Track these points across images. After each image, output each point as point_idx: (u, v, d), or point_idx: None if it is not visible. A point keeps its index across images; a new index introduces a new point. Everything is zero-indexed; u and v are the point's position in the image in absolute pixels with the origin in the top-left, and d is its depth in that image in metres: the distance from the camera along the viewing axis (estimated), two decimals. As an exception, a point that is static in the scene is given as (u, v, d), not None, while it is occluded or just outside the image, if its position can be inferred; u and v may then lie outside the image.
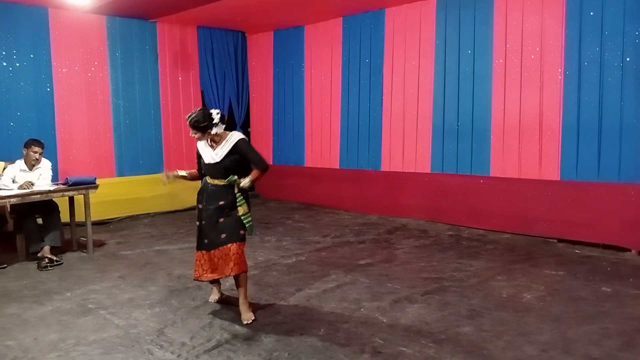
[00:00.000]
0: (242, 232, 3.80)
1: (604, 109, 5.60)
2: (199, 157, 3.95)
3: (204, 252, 3.86)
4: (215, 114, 3.74)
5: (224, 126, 3.81)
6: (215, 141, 3.82)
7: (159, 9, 7.33)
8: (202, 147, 3.89)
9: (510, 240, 6.06)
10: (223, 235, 3.76)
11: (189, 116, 3.74)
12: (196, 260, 3.92)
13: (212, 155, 3.82)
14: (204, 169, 3.91)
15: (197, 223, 3.91)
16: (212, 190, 3.81)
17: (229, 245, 3.75)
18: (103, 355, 3.27)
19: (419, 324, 3.68)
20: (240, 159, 3.79)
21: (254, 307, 3.95)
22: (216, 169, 3.79)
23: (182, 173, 4.03)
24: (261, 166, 3.80)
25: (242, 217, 3.79)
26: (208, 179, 3.86)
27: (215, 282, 4.14)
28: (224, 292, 4.25)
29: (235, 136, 3.83)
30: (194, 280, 4.01)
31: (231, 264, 3.74)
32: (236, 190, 3.78)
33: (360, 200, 7.88)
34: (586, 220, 5.75)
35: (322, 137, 8.40)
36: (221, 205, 3.78)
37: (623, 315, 3.78)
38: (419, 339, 3.44)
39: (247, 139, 3.92)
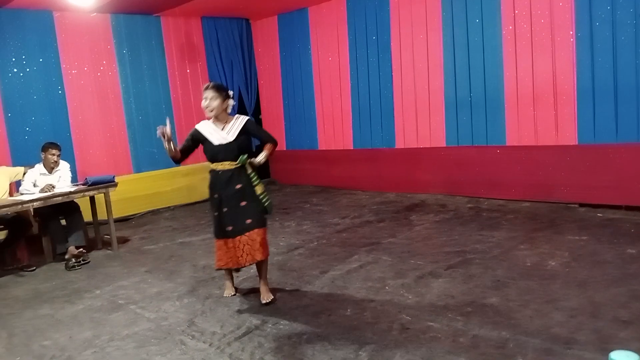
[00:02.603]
0: (264, 216, 3.82)
1: (618, 68, 5.50)
2: (197, 140, 3.83)
3: (228, 240, 3.80)
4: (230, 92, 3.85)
5: (232, 106, 3.85)
6: (221, 121, 3.78)
7: (161, 3, 7.32)
8: (209, 130, 3.78)
9: (531, 209, 6.02)
10: (249, 221, 3.74)
11: (208, 84, 3.75)
12: (217, 249, 3.87)
13: (223, 135, 3.74)
14: (210, 154, 3.77)
15: (215, 213, 3.81)
16: (224, 176, 3.74)
17: (256, 230, 3.75)
18: (137, 349, 3.34)
19: (444, 298, 3.70)
20: (248, 140, 3.82)
21: (279, 292, 4.00)
22: (228, 150, 3.71)
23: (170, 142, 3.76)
24: (273, 141, 3.88)
25: (260, 197, 3.77)
26: (216, 166, 3.77)
27: (229, 276, 4.12)
28: (236, 287, 4.22)
29: (243, 117, 3.84)
30: (217, 269, 4.03)
31: (261, 249, 3.76)
32: (249, 170, 3.75)
33: (377, 179, 7.87)
34: (607, 183, 5.69)
35: (334, 119, 8.37)
36: (239, 188, 3.72)
37: (650, 276, 3.76)
38: (445, 313, 3.46)
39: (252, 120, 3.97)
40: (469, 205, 6.47)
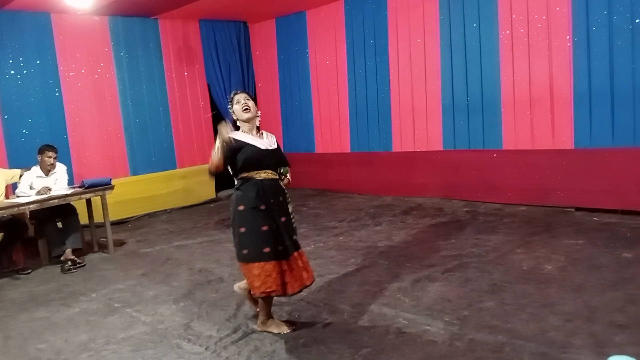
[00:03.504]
0: (294, 237, 3.40)
1: (615, 73, 5.52)
2: (236, 150, 3.27)
3: (282, 262, 3.28)
4: None
5: (258, 121, 3.50)
6: (252, 130, 3.40)
7: (159, 5, 7.32)
8: (246, 136, 3.35)
9: (528, 213, 6.03)
10: (294, 237, 3.38)
11: (236, 90, 3.49)
12: (264, 273, 3.22)
13: (265, 143, 3.37)
14: (255, 159, 3.28)
15: (262, 228, 3.23)
16: (268, 185, 3.30)
17: (301, 250, 3.41)
18: (133, 352, 3.33)
19: (441, 302, 3.70)
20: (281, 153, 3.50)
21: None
22: (271, 158, 3.35)
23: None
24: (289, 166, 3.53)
25: (291, 215, 3.43)
26: (259, 174, 3.30)
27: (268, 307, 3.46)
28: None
29: (271, 134, 3.53)
30: (263, 294, 3.27)
31: (307, 271, 3.37)
32: (284, 185, 3.43)
33: (374, 183, 7.88)
34: (603, 187, 5.70)
35: (331, 122, 8.38)
36: (281, 201, 3.35)
37: (646, 280, 3.77)
38: (442, 316, 3.46)
39: None
40: (465, 209, 6.48)
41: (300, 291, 3.38)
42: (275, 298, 3.51)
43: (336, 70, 8.15)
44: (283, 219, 3.32)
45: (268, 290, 3.23)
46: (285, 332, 3.41)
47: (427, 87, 7.09)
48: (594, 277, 3.91)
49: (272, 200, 3.28)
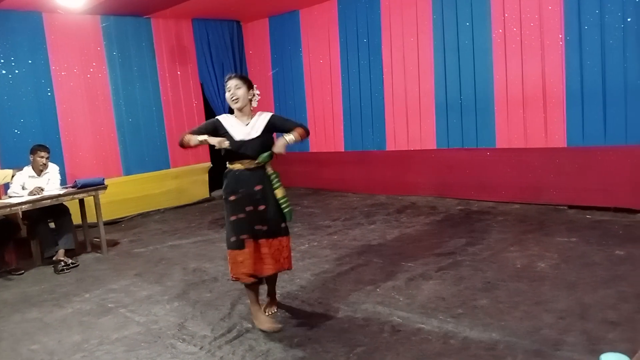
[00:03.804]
0: (283, 224, 3.48)
1: (607, 72, 5.55)
2: (215, 130, 3.41)
3: (248, 249, 3.36)
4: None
5: (258, 98, 3.56)
6: (245, 114, 3.47)
7: (152, 4, 7.29)
8: (231, 123, 3.44)
9: (521, 211, 6.06)
10: (265, 227, 3.42)
11: (230, 74, 3.48)
12: (234, 258, 3.40)
13: (246, 131, 3.41)
14: (228, 152, 3.40)
15: (233, 217, 3.39)
16: (245, 175, 3.40)
17: (278, 238, 3.46)
18: (127, 353, 3.32)
19: (435, 300, 3.71)
20: (271, 139, 3.48)
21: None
22: (249, 147, 3.38)
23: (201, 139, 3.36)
24: (305, 127, 3.54)
25: (280, 202, 3.44)
26: (234, 165, 3.43)
27: (255, 296, 3.56)
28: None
29: (267, 113, 3.55)
30: (234, 280, 3.51)
31: (272, 261, 3.43)
32: (270, 172, 3.47)
33: (368, 182, 7.88)
34: (596, 185, 5.73)
35: (325, 121, 8.38)
36: (258, 190, 3.39)
37: (638, 278, 3.78)
38: (436, 314, 3.47)
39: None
40: (459, 208, 6.50)
41: (274, 275, 3.57)
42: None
43: (330, 70, 8.15)
44: (255, 208, 3.38)
45: (235, 277, 3.44)
46: (267, 329, 3.42)
47: (421, 86, 7.10)
48: (586, 275, 3.94)
49: (241, 190, 3.39)
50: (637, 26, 5.30)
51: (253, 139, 3.41)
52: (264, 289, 3.74)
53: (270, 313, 3.70)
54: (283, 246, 3.50)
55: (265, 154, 3.43)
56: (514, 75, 6.22)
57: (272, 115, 3.55)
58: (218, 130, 3.43)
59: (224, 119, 3.48)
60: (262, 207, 3.40)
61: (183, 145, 3.42)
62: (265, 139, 3.46)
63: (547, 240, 4.88)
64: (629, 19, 5.34)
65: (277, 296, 3.91)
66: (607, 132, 5.62)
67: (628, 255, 4.28)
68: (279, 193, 3.46)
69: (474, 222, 5.78)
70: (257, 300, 3.56)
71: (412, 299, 3.77)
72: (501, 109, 6.38)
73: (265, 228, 3.41)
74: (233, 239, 3.39)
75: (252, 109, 3.53)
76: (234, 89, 3.41)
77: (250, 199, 3.39)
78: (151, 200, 7.92)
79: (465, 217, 6.01)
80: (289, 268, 3.62)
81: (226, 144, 3.31)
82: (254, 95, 3.51)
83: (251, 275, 3.40)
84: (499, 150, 6.48)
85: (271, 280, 3.70)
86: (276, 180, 3.48)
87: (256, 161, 3.42)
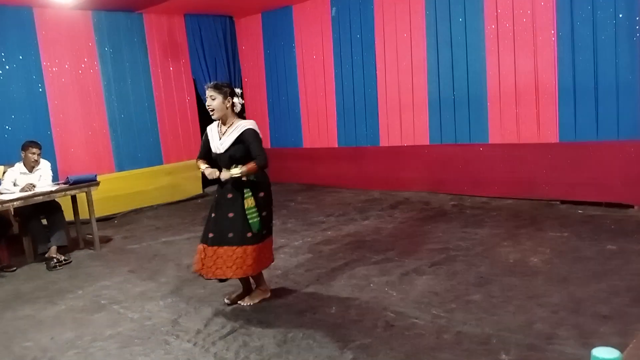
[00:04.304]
0: (248, 234, 3.56)
1: (599, 67, 5.58)
2: (207, 143, 3.71)
3: (206, 246, 3.60)
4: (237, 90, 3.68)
5: (240, 105, 3.64)
6: (226, 124, 3.61)
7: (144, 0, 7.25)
8: (212, 135, 3.68)
9: (514, 206, 6.09)
10: (230, 235, 3.55)
11: (208, 84, 3.61)
12: (197, 252, 3.68)
13: (217, 145, 3.62)
14: (214, 161, 3.70)
15: (209, 215, 3.69)
16: (224, 183, 3.62)
17: (235, 247, 3.55)
18: (121, 349, 3.31)
19: (429, 295, 3.72)
20: (247, 150, 3.56)
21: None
22: (222, 160, 3.61)
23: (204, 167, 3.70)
24: (260, 162, 3.54)
25: (246, 211, 3.56)
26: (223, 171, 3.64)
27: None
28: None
29: (245, 124, 3.60)
30: (193, 272, 3.84)
31: (233, 267, 3.55)
32: (246, 180, 3.56)
33: (361, 177, 7.89)
34: (587, 180, 5.77)
35: (318, 117, 8.37)
36: (230, 198, 3.58)
37: (630, 272, 3.82)
38: (429, 309, 3.48)
39: (256, 130, 3.63)
40: (452, 203, 6.52)
41: (221, 280, 3.72)
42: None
43: (323, 65, 8.14)
44: (230, 215, 3.56)
45: (196, 266, 3.68)
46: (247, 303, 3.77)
47: (414, 82, 7.10)
48: (578, 269, 3.96)
49: (217, 196, 3.68)
50: (628, 22, 5.33)
51: (222, 153, 3.59)
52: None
53: (244, 304, 3.81)
54: (247, 254, 3.57)
55: (235, 169, 3.54)
56: (507, 71, 6.23)
57: (246, 130, 3.58)
58: (208, 144, 3.72)
59: (210, 131, 3.72)
60: (230, 215, 3.57)
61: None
62: (234, 152, 3.56)
63: (539, 235, 4.91)
64: (620, 15, 5.37)
65: (270, 292, 3.94)
66: (599, 127, 5.65)
67: (620, 249, 4.32)
68: (247, 203, 3.57)
69: (467, 217, 5.80)
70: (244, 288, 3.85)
71: (406, 294, 3.79)
72: (494, 105, 6.40)
73: (230, 235, 3.56)
74: (202, 233, 3.70)
75: (235, 114, 3.66)
76: (209, 100, 3.57)
77: (221, 205, 3.62)
78: (144, 196, 7.88)
79: (459, 213, 6.03)
80: (252, 274, 3.71)
81: (215, 176, 3.56)
82: (232, 103, 3.59)
83: (201, 273, 3.65)
84: (491, 145, 6.50)
85: (254, 277, 3.82)
86: (248, 190, 3.58)
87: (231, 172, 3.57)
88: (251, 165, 3.54)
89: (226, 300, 3.85)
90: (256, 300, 3.83)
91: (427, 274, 4.14)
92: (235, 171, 3.53)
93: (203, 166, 3.67)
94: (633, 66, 5.36)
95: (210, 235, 3.60)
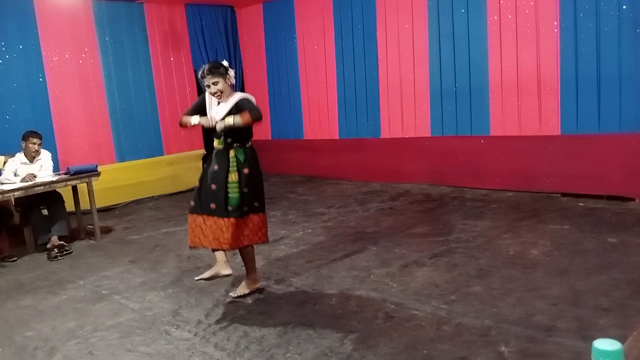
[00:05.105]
0: (229, 208, 3.57)
1: (601, 59, 5.55)
2: (202, 108, 3.72)
3: (195, 215, 3.66)
4: (224, 62, 3.70)
5: (233, 76, 3.69)
6: (221, 97, 3.63)
7: (145, -11, 7.21)
8: (210, 103, 3.70)
9: (514, 198, 6.08)
10: (212, 206, 3.59)
11: (203, 70, 3.61)
12: (189, 225, 3.70)
13: (213, 113, 3.62)
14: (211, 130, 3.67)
15: (198, 185, 3.71)
16: (215, 154, 3.66)
17: (214, 217, 3.59)
18: (122, 339, 3.32)
19: (429, 287, 3.73)
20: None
21: (264, 281, 3.99)
22: (216, 129, 3.56)
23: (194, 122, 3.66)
24: (254, 114, 3.50)
25: (227, 185, 3.57)
26: (215, 142, 3.68)
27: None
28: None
29: (239, 95, 3.66)
30: (190, 248, 3.80)
31: (210, 237, 3.60)
32: (232, 155, 3.59)
33: (362, 169, 7.88)
34: (589, 173, 5.76)
35: (319, 109, 8.35)
36: (216, 170, 3.61)
37: (630, 265, 3.82)
38: (430, 301, 3.49)
39: (251, 98, 3.68)
40: (453, 195, 6.52)
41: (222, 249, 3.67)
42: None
43: (324, 56, 8.10)
44: (213, 187, 3.59)
45: (191, 243, 3.71)
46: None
47: (416, 73, 7.08)
48: (579, 262, 3.97)
49: (205, 165, 3.73)
50: (632, 14, 5.29)
51: (218, 122, 3.56)
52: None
53: (234, 295, 3.78)
54: (225, 228, 3.58)
55: (229, 120, 3.52)
56: (509, 62, 6.20)
57: (242, 98, 3.64)
58: (203, 106, 3.73)
59: (208, 98, 3.72)
60: (213, 187, 3.61)
61: (182, 125, 3.75)
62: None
63: (540, 228, 4.91)
64: (624, 7, 5.33)
65: (271, 282, 3.95)
66: (601, 120, 5.63)
67: (620, 242, 4.32)
68: (231, 177, 3.59)
69: (468, 209, 5.80)
70: (218, 260, 3.69)
71: (406, 285, 3.79)
72: (496, 97, 6.38)
73: (213, 206, 3.59)
74: (191, 203, 3.71)
75: (230, 87, 3.70)
76: (213, 87, 3.59)
77: (207, 177, 3.65)
78: (145, 187, 7.88)
79: (459, 205, 6.03)
80: (228, 249, 3.67)
81: (211, 124, 3.52)
82: (231, 78, 3.67)
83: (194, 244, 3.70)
84: (493, 137, 6.48)
85: (243, 258, 3.81)
86: (234, 164, 3.60)
87: (221, 143, 3.61)
88: (246, 115, 3.50)
89: (231, 294, 3.82)
90: (246, 291, 3.78)
91: (428, 266, 4.15)
92: (231, 120, 3.51)
93: (195, 118, 3.62)
94: (636, 58, 5.34)
95: (192, 203, 3.70)
